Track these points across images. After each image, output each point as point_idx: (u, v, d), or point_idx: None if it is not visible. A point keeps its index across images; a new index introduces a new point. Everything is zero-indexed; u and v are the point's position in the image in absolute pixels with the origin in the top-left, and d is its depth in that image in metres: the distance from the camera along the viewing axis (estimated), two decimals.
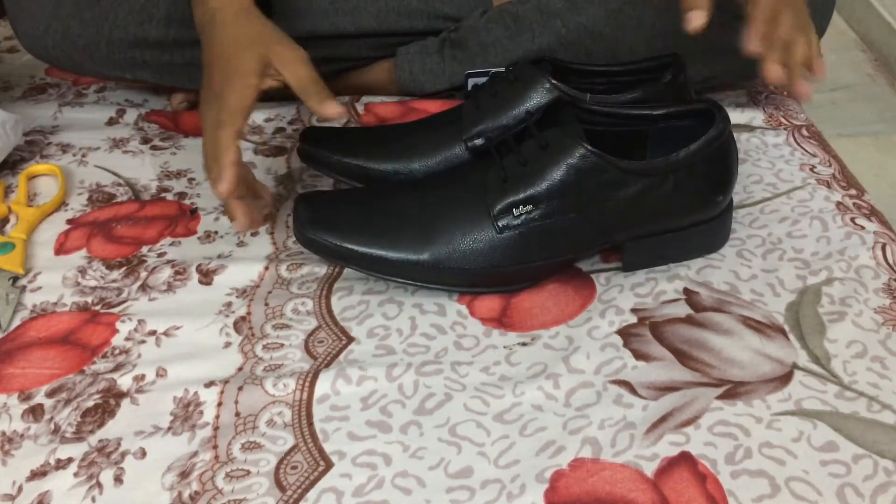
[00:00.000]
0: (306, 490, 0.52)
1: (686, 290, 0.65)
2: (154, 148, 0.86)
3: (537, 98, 0.69)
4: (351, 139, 0.76)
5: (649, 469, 0.52)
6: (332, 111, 0.64)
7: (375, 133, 0.78)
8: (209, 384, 0.59)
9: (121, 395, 0.59)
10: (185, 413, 0.57)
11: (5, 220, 0.76)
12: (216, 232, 0.74)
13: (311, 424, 0.56)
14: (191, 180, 0.81)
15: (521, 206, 0.62)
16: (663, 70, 0.73)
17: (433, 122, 0.76)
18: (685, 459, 0.53)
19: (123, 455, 0.55)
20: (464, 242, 0.63)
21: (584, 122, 0.66)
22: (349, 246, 0.63)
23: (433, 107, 0.89)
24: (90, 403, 0.58)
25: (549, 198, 0.61)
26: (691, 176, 0.63)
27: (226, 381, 0.59)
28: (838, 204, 0.75)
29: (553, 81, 0.70)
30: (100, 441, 0.56)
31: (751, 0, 0.63)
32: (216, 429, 0.56)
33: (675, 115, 0.67)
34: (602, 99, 0.70)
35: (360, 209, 0.66)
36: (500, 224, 0.62)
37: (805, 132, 0.86)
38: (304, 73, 0.65)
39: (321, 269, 0.69)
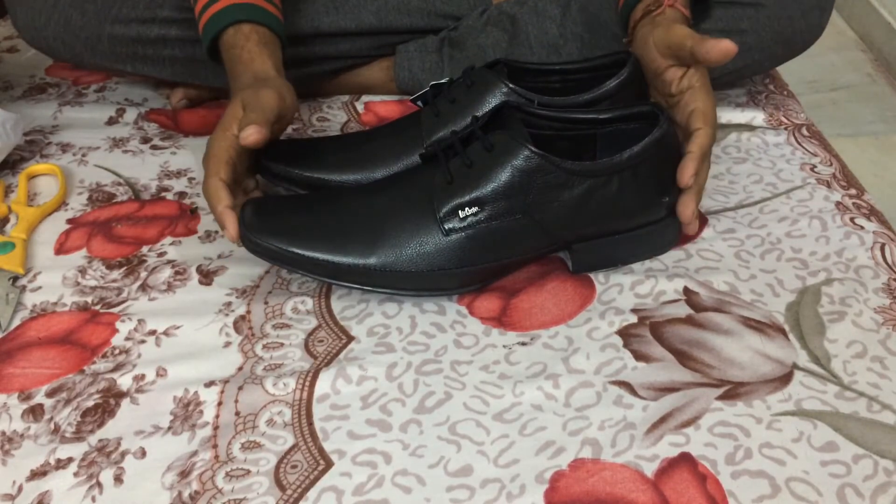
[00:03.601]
0: (306, 489, 0.52)
1: (686, 290, 0.65)
2: (154, 147, 0.86)
3: (495, 102, 0.69)
4: (310, 151, 0.74)
5: (649, 469, 0.52)
6: (248, 135, 0.64)
7: (335, 143, 0.77)
8: (209, 384, 0.59)
9: (121, 395, 0.59)
10: (185, 413, 0.57)
11: (5, 220, 0.76)
12: (216, 231, 0.74)
13: (311, 423, 0.56)
14: (191, 180, 0.81)
15: (466, 208, 0.62)
16: (618, 67, 0.72)
17: (393, 130, 0.75)
18: (685, 460, 0.53)
19: (123, 455, 0.55)
20: (411, 246, 0.62)
21: (533, 126, 0.66)
22: (295, 250, 0.62)
23: None
24: (90, 403, 0.58)
25: (494, 199, 0.62)
26: (636, 177, 0.63)
27: (226, 381, 0.59)
28: (838, 204, 0.75)
29: (510, 85, 0.69)
30: (100, 441, 0.56)
31: (692, 141, 0.66)
32: (216, 428, 0.56)
33: (621, 118, 0.68)
34: (551, 101, 0.70)
35: (308, 214, 0.65)
36: (446, 227, 0.62)
37: (805, 132, 0.86)
38: (254, 101, 0.66)
39: None
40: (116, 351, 0.62)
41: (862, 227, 0.72)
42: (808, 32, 0.84)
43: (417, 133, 0.72)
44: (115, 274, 0.70)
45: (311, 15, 0.87)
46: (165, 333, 0.64)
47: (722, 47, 0.64)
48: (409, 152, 0.70)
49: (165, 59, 0.86)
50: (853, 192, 0.77)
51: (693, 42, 0.66)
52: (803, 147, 0.84)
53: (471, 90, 0.71)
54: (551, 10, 0.87)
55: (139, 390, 0.59)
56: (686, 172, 0.65)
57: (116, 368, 0.61)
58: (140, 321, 0.65)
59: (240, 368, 0.61)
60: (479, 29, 0.89)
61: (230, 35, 0.72)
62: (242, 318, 0.65)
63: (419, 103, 0.76)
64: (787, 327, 0.62)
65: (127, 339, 0.63)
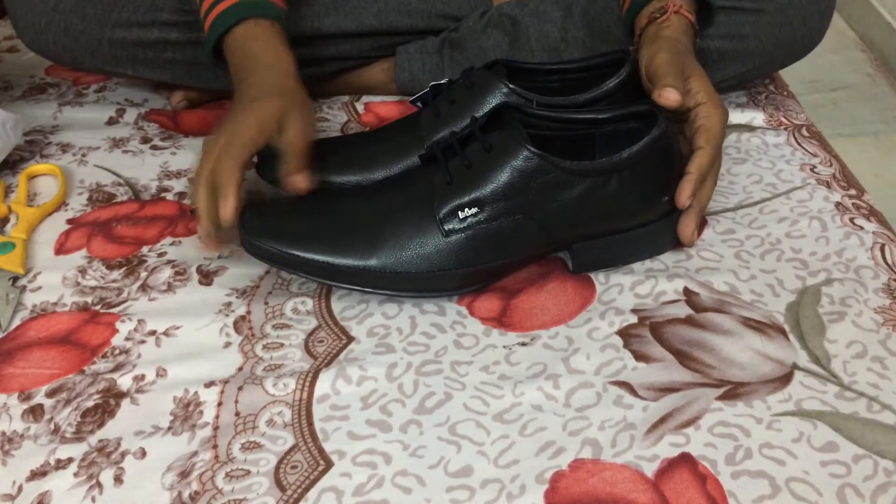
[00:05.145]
0: (306, 489, 0.52)
1: (686, 291, 0.65)
2: (154, 147, 0.86)
3: (494, 102, 0.69)
4: (310, 154, 0.74)
5: (649, 470, 0.52)
6: (298, 184, 0.66)
7: (335, 145, 0.77)
8: (209, 384, 0.59)
9: (121, 395, 0.59)
10: (185, 413, 0.57)
11: (5, 220, 0.76)
12: None
13: (311, 424, 0.56)
14: (191, 180, 0.81)
15: (466, 209, 0.62)
16: (616, 67, 0.72)
17: (393, 132, 0.75)
18: (685, 460, 0.53)
19: (123, 455, 0.55)
20: (410, 247, 0.62)
21: (532, 126, 0.66)
22: (296, 253, 0.62)
23: None
24: (90, 403, 0.58)
25: (493, 200, 0.62)
26: (635, 176, 0.63)
27: (226, 381, 0.59)
28: (837, 204, 0.75)
29: (509, 85, 0.69)
30: (100, 441, 0.56)
31: (692, 161, 0.66)
32: (216, 428, 0.56)
33: (620, 118, 0.68)
34: (550, 101, 0.69)
35: (308, 216, 0.65)
36: (446, 228, 0.62)
37: (805, 132, 0.86)
38: (298, 144, 0.66)
39: None
40: (116, 351, 0.62)
41: (862, 228, 0.72)
42: (809, 37, 0.84)
43: (417, 134, 0.71)
44: (115, 274, 0.70)
45: (312, 16, 0.87)
46: (165, 334, 0.64)
47: (664, 97, 0.64)
48: (410, 153, 0.70)
49: (165, 63, 0.86)
50: (853, 192, 0.77)
51: (655, 81, 0.66)
52: (803, 147, 0.84)
53: (470, 91, 0.71)
54: (552, 12, 0.87)
55: (139, 390, 0.59)
56: (683, 195, 0.65)
57: (116, 369, 0.61)
58: (140, 321, 0.65)
59: (240, 369, 0.61)
60: (479, 31, 0.89)
61: (241, 32, 0.72)
62: (242, 318, 0.65)
63: (419, 104, 0.76)
64: (787, 327, 0.62)
65: (127, 339, 0.63)
